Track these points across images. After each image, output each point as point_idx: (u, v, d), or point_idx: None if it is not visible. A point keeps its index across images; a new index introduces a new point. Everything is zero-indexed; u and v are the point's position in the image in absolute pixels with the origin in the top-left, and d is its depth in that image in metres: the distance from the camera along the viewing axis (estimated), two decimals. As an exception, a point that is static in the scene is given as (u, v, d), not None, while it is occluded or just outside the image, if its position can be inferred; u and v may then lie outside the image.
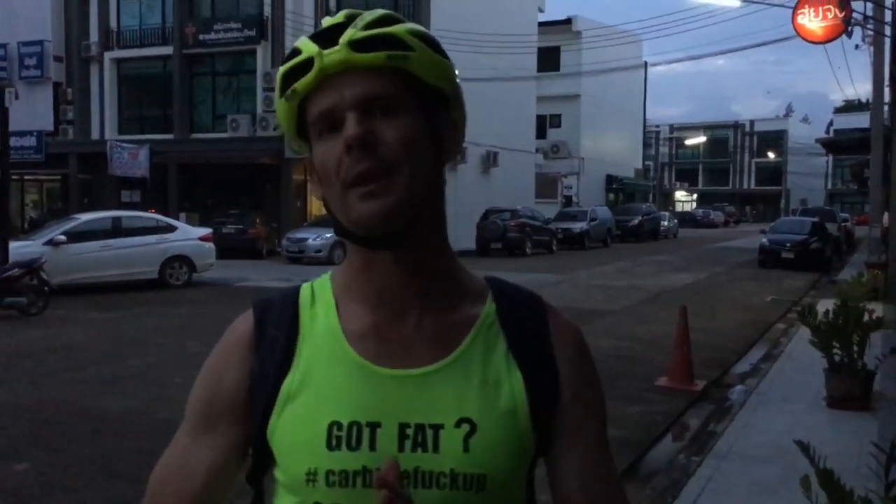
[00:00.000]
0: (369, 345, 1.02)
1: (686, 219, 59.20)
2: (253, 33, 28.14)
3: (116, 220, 16.87)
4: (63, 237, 15.26)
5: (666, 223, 43.22)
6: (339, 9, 23.08)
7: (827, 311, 6.82)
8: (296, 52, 0.99)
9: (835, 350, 6.76)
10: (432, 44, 0.99)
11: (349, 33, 0.95)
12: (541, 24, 38.73)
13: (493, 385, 1.01)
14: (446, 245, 1.07)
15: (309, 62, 0.96)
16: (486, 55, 27.73)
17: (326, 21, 0.99)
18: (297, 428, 1.00)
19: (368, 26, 0.96)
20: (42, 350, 9.81)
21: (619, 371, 8.62)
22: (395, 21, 0.98)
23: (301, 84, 0.97)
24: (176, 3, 29.64)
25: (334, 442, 0.97)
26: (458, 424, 0.98)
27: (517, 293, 1.10)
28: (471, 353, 1.03)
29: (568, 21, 43.35)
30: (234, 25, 28.82)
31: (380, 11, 0.98)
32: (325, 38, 0.96)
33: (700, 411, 7.35)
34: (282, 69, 0.99)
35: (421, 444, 0.98)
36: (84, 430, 6.39)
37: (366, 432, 0.98)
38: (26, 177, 30.66)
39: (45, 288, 12.96)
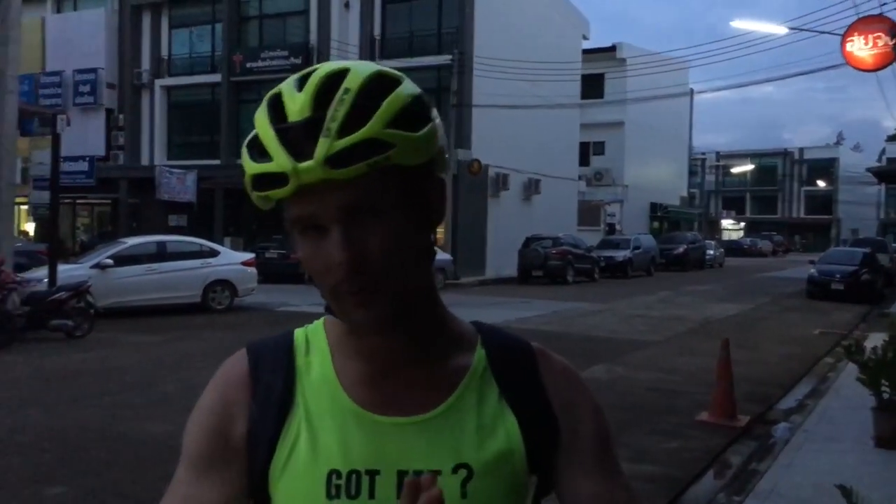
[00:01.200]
0: (365, 393, 1.02)
1: (733, 248, 58.30)
2: (299, 61, 28.61)
3: (161, 244, 17.13)
4: (110, 261, 15.57)
5: (712, 252, 42.54)
6: (383, 38, 23.11)
7: (875, 347, 6.62)
8: (256, 140, 0.92)
9: (883, 387, 6.55)
10: (413, 116, 0.91)
11: (324, 146, 0.87)
12: (585, 52, 38.83)
13: (488, 430, 1.02)
14: (436, 299, 1.06)
15: (283, 174, 0.89)
16: (529, 82, 27.80)
17: (290, 105, 0.90)
18: (296, 477, 0.99)
19: (343, 129, 0.87)
20: (85, 373, 9.96)
21: (658, 405, 8.46)
22: (372, 91, 0.89)
23: (276, 195, 0.92)
24: (225, 32, 30.33)
25: (333, 491, 0.97)
26: (455, 470, 0.98)
27: (506, 340, 1.10)
28: (465, 400, 1.03)
29: (612, 48, 43.37)
30: (280, 53, 29.37)
31: (354, 86, 0.89)
32: (291, 135, 0.89)
33: (742, 448, 7.16)
34: (251, 169, 0.92)
35: None
36: (122, 455, 6.44)
37: (365, 480, 0.98)
38: (78, 201, 31.43)
39: (91, 311, 13.23)
